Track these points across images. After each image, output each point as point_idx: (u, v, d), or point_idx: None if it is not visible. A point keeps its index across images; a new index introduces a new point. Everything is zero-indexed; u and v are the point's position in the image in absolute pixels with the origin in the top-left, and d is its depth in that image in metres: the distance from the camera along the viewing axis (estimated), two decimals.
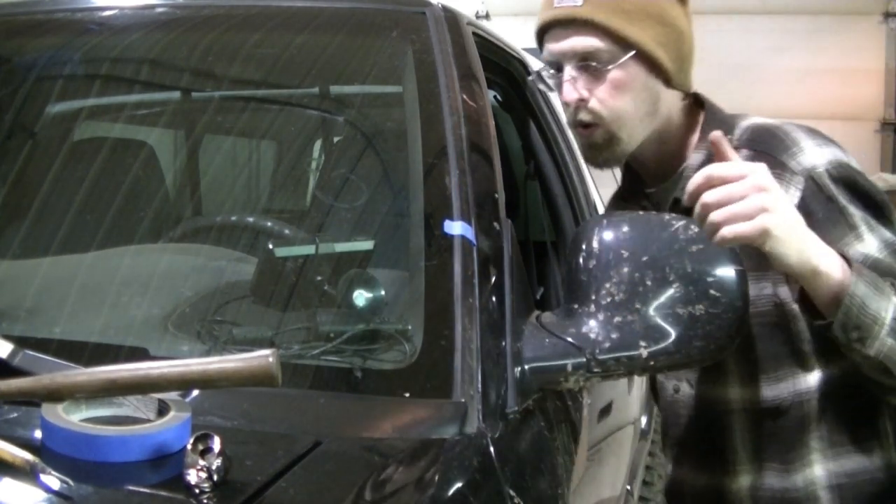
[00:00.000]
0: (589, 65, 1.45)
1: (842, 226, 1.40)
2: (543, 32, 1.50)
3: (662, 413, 1.68)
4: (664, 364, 1.35)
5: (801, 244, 1.28)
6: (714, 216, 1.22)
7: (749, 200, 1.22)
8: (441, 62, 1.59)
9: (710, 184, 1.23)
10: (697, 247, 1.34)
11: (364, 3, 1.85)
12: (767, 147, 1.45)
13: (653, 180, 1.59)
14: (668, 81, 1.49)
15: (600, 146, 1.49)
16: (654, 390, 1.74)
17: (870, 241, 1.40)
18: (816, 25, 7.60)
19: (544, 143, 2.39)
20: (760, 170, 1.25)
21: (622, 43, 1.44)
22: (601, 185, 2.90)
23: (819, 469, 1.49)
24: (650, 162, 1.56)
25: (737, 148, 1.43)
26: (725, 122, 1.52)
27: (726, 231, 1.22)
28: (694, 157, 1.52)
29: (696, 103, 1.57)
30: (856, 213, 1.41)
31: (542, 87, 1.56)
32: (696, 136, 1.54)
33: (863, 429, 1.50)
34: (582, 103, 1.46)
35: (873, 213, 1.42)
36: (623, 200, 1.67)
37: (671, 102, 1.52)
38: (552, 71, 1.51)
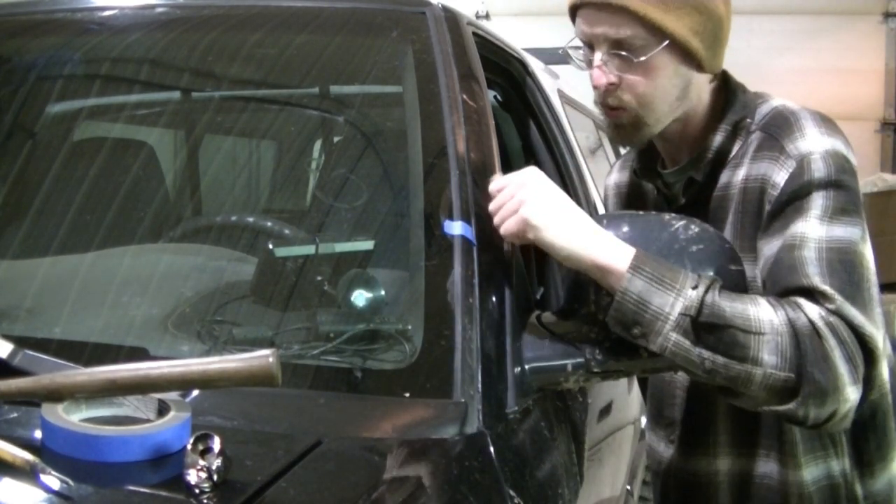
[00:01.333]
0: (620, 53, 1.43)
1: (799, 207, 1.37)
2: (576, 8, 1.47)
3: (656, 394, 1.69)
4: (664, 364, 1.35)
5: (571, 234, 1.30)
6: (495, 221, 1.36)
7: (512, 199, 1.33)
8: (441, 62, 1.59)
9: (492, 197, 1.38)
10: (697, 247, 1.34)
11: (364, 3, 1.85)
12: (776, 130, 1.45)
13: (671, 160, 1.59)
14: (700, 67, 1.48)
15: (627, 128, 1.49)
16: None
17: (813, 227, 1.35)
18: (816, 25, 7.60)
19: (544, 143, 2.39)
20: (526, 171, 1.36)
21: (656, 31, 1.41)
22: (601, 185, 2.90)
23: (791, 470, 1.50)
24: (673, 141, 1.55)
25: (753, 130, 1.47)
26: (747, 106, 1.52)
27: (502, 231, 1.35)
28: (715, 138, 1.50)
29: (723, 83, 1.56)
30: (820, 200, 1.37)
31: (571, 64, 1.54)
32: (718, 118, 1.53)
33: (822, 437, 1.50)
34: (612, 87, 1.45)
35: (840, 211, 1.37)
36: (636, 176, 1.66)
37: (701, 86, 1.51)
38: (584, 49, 1.49)
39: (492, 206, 1.37)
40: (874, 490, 1.53)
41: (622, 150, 2.64)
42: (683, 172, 1.54)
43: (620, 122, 1.48)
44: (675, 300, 1.25)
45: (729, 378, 1.27)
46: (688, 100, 1.49)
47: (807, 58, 7.50)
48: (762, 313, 1.27)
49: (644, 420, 3.37)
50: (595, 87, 1.47)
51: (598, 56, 1.44)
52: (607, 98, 1.46)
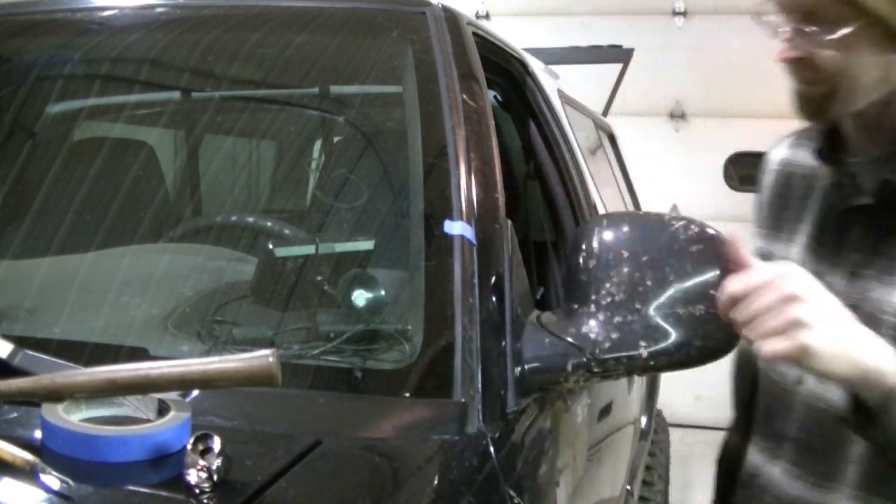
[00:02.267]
0: (810, 27, 1.26)
1: None
2: None
3: (767, 401, 1.45)
4: (664, 364, 1.35)
5: (850, 353, 1.11)
6: (749, 334, 1.13)
7: (779, 313, 1.10)
8: (441, 62, 1.59)
9: (734, 300, 1.14)
10: (697, 247, 1.34)
11: (364, 3, 1.85)
12: None
13: (860, 148, 1.37)
14: None
15: (818, 101, 1.31)
16: (741, 368, 1.51)
17: None
18: None
19: (544, 143, 2.39)
20: (789, 273, 1.13)
21: (852, 6, 1.23)
22: (601, 185, 2.91)
23: None
24: (868, 126, 1.34)
25: None
26: None
27: (765, 350, 1.11)
28: None
29: None
30: None
31: (761, 28, 1.40)
32: None
33: None
34: (800, 62, 1.28)
35: None
36: (818, 158, 1.44)
37: None
38: (777, 14, 1.30)
39: (740, 317, 1.14)
40: None
41: (623, 153, 2.62)
42: (873, 169, 1.34)
43: (811, 95, 1.31)
44: None
45: None
46: (890, 82, 1.29)
47: None
48: None
49: (644, 420, 3.37)
50: (781, 60, 1.31)
51: (787, 27, 1.28)
52: (798, 70, 1.30)
